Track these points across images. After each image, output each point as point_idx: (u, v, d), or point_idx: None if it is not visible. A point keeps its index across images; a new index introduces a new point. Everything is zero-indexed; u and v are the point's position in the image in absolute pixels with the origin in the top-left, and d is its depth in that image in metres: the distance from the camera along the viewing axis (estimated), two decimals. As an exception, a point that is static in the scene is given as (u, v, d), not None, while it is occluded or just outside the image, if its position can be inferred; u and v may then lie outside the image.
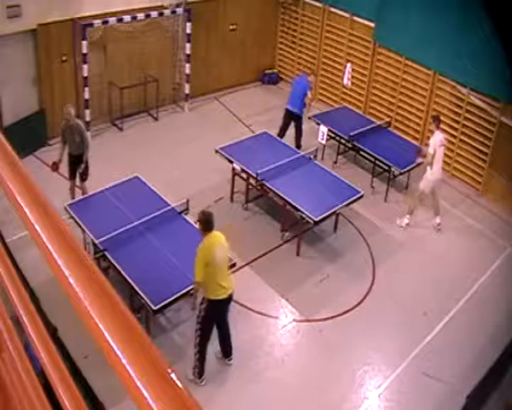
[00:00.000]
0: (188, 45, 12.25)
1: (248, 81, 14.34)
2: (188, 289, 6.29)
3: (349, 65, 12.40)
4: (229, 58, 13.60)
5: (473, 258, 8.94)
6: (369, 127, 10.88)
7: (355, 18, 12.41)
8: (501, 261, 8.89)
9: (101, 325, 0.93)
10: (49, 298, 5.42)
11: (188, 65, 12.43)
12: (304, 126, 11.09)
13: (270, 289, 7.89)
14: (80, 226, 7.33)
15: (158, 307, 6.20)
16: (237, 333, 6.78)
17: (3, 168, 1.36)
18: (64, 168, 8.76)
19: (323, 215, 8.13)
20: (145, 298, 6.24)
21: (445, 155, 9.38)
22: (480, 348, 7.18)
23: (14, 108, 10.07)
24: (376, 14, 11.70)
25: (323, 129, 10.56)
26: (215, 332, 6.39)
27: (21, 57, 10.15)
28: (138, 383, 0.84)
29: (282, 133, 10.92)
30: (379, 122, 11.43)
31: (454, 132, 10.75)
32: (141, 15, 11.13)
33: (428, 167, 8.90)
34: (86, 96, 10.87)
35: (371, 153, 10.14)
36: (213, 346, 6.50)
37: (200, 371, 6.33)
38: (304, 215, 8.06)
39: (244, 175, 9.32)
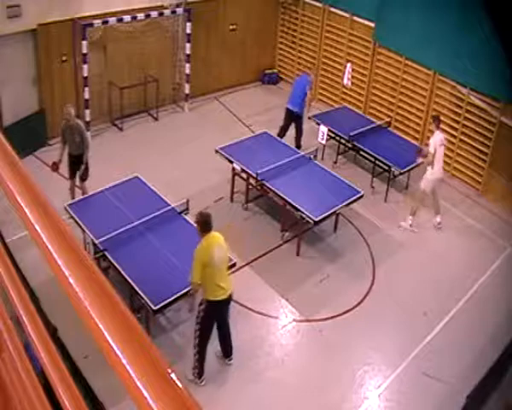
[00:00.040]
0: (188, 45, 12.25)
1: (248, 81, 14.34)
2: (188, 289, 6.29)
3: (349, 65, 12.40)
4: (229, 58, 13.60)
5: (473, 258, 8.95)
6: (369, 127, 10.88)
7: (355, 18, 12.41)
8: (501, 261, 8.89)
9: (101, 325, 0.93)
10: (49, 298, 5.41)
11: (188, 65, 12.44)
12: (304, 126, 11.10)
13: (270, 289, 7.89)
14: (80, 226, 7.33)
15: (158, 307, 6.20)
16: (237, 333, 6.78)
17: (3, 168, 1.36)
18: (64, 168, 8.76)
19: (323, 215, 8.13)
20: (145, 298, 6.24)
21: (445, 154, 9.39)
22: (480, 348, 7.18)
23: (14, 108, 10.07)
24: (376, 14, 11.70)
25: (323, 129, 10.56)
26: (215, 332, 6.39)
27: (21, 57, 10.15)
28: (138, 383, 0.84)
29: (282, 133, 10.92)
30: (379, 122, 11.43)
31: (454, 132, 10.75)
32: (141, 15, 11.13)
33: (429, 167, 8.90)
34: (86, 96, 10.87)
35: (371, 153, 10.14)
36: (213, 346, 6.50)
37: (199, 371, 6.33)
38: (304, 215, 8.06)
39: (244, 175, 9.32)
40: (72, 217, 7.49)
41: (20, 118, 10.19)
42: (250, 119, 12.49)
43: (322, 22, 13.15)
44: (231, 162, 9.31)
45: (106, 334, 0.92)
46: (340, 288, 8.06)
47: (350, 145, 10.70)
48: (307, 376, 6.72)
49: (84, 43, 10.38)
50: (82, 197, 8.46)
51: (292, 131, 11.08)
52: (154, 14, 11.34)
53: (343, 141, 10.82)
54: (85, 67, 10.62)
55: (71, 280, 1.02)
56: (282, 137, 10.81)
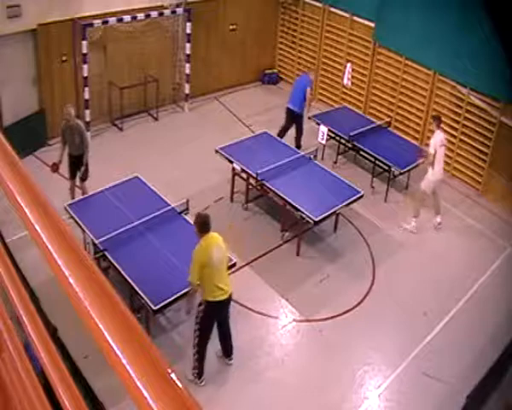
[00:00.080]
0: (188, 45, 12.25)
1: (248, 81, 14.34)
2: (188, 289, 6.29)
3: (349, 65, 12.40)
4: (229, 58, 13.60)
5: (473, 258, 8.95)
6: (369, 127, 10.88)
7: (355, 18, 12.41)
8: (501, 261, 8.89)
9: (101, 325, 0.93)
10: (49, 298, 5.42)
11: (188, 65, 12.44)
12: (304, 126, 11.11)
13: (270, 289, 7.89)
14: (80, 226, 7.33)
15: (158, 307, 6.20)
16: (237, 333, 6.77)
17: (3, 168, 1.36)
18: (64, 168, 8.76)
19: (323, 215, 8.13)
20: (145, 298, 6.24)
21: (445, 155, 9.37)
22: (480, 348, 7.18)
23: (14, 108, 10.07)
24: (376, 14, 11.70)
25: (323, 129, 10.56)
26: (214, 333, 6.39)
27: (21, 57, 10.15)
28: (138, 383, 0.84)
29: (282, 133, 10.93)
30: (379, 122, 11.43)
31: (454, 132, 10.75)
32: (141, 15, 11.13)
33: (430, 168, 8.89)
34: (86, 96, 10.88)
35: (371, 153, 10.14)
36: (213, 346, 6.50)
37: (199, 371, 6.33)
38: (304, 215, 8.06)
39: (244, 175, 9.32)
40: (72, 217, 7.49)
41: (20, 118, 10.19)
42: (250, 119, 12.49)
43: (322, 22, 13.15)
44: (231, 162, 9.31)
45: (106, 334, 0.91)
46: (340, 288, 8.06)
47: (350, 145, 10.70)
48: (307, 376, 6.72)
49: (84, 43, 10.39)
50: (82, 197, 8.46)
51: (292, 131, 11.09)
52: (154, 14, 11.34)
53: (343, 141, 10.82)
54: (85, 67, 10.62)
55: (71, 280, 1.02)
56: (282, 137, 10.81)
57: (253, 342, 7.04)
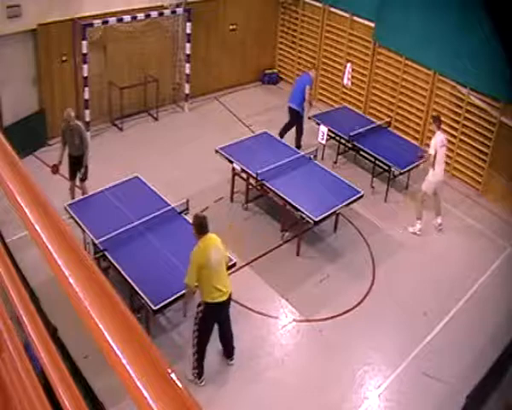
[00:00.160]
0: (188, 45, 12.25)
1: (248, 81, 14.34)
2: (184, 291, 6.28)
3: (349, 65, 12.39)
4: (229, 58, 13.60)
5: (473, 258, 8.95)
6: (369, 127, 10.88)
7: (355, 18, 12.41)
8: (501, 261, 8.89)
9: (101, 325, 0.93)
10: (49, 298, 5.42)
11: (188, 65, 12.44)
12: (304, 126, 11.11)
13: (270, 289, 7.89)
14: (80, 226, 7.33)
15: (158, 307, 6.20)
16: (237, 333, 6.77)
17: (3, 168, 1.36)
18: (64, 169, 8.76)
19: (323, 215, 8.13)
20: (145, 298, 6.24)
21: (446, 155, 9.35)
22: (480, 348, 7.18)
23: (14, 108, 10.07)
24: (376, 14, 11.70)
25: (323, 129, 10.56)
26: (215, 333, 6.38)
27: (21, 57, 10.15)
28: (138, 383, 0.84)
29: (283, 132, 10.97)
30: (379, 122, 11.43)
31: (454, 132, 10.75)
32: (141, 15, 11.13)
33: (430, 169, 8.89)
34: (86, 96, 10.87)
35: (371, 153, 10.14)
36: (213, 346, 6.49)
37: (199, 371, 6.33)
38: (304, 215, 8.06)
39: (244, 175, 9.32)
40: (72, 217, 7.49)
41: (20, 118, 10.19)
42: (250, 119, 12.49)
43: (322, 22, 13.15)
44: (231, 162, 9.31)
45: (106, 334, 0.91)
46: (340, 288, 8.06)
47: (350, 145, 10.70)
48: (307, 376, 6.72)
49: (84, 43, 10.39)
50: (82, 197, 8.46)
51: (292, 131, 11.11)
52: (154, 14, 11.34)
53: (343, 141, 10.83)
54: (85, 67, 10.62)
55: (71, 280, 1.02)
56: (283, 135, 10.85)
57: (253, 342, 7.04)
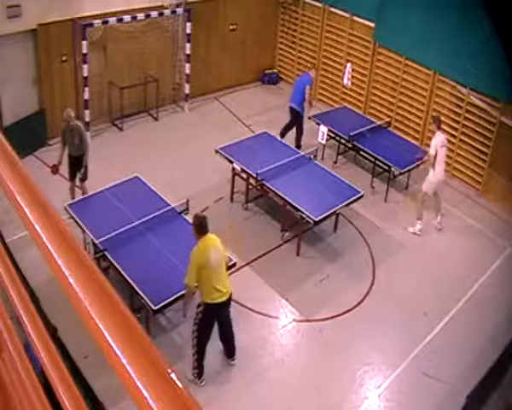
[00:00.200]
0: (188, 45, 12.25)
1: (248, 81, 14.34)
2: (184, 291, 6.28)
3: (349, 65, 12.39)
4: (229, 58, 13.60)
5: (473, 258, 8.95)
6: (369, 127, 10.88)
7: (355, 18, 12.41)
8: (501, 261, 8.89)
9: (101, 325, 0.93)
10: (49, 298, 5.42)
11: (188, 65, 12.44)
12: (304, 126, 11.12)
13: (270, 289, 7.89)
14: (80, 226, 7.33)
15: (158, 307, 6.20)
16: (237, 333, 6.76)
17: (3, 168, 1.35)
18: (64, 169, 8.76)
19: (323, 215, 8.13)
20: (145, 298, 6.24)
21: (446, 155, 9.35)
22: (480, 348, 7.18)
23: (14, 108, 10.07)
24: (376, 14, 11.70)
25: (323, 129, 10.57)
26: (215, 333, 6.38)
27: (21, 57, 10.15)
28: (138, 383, 0.84)
29: (284, 132, 11.01)
30: (379, 122, 11.43)
31: (454, 132, 10.74)
32: (141, 15, 11.13)
33: (431, 169, 8.89)
34: (86, 96, 10.87)
35: (371, 153, 10.14)
36: (214, 346, 6.49)
37: (199, 371, 6.33)
38: (304, 215, 8.06)
39: (244, 175, 9.32)
40: (72, 217, 7.49)
41: (20, 118, 10.19)
42: (250, 119, 12.49)
43: (322, 22, 13.15)
44: (231, 162, 9.31)
45: (106, 334, 0.91)
46: (340, 288, 8.06)
47: (350, 145, 10.70)
48: (307, 376, 6.72)
49: (84, 43, 10.39)
50: (82, 197, 8.46)
51: (292, 130, 11.12)
52: (154, 14, 11.34)
53: (343, 141, 10.83)
54: (85, 67, 10.62)
55: (71, 280, 1.02)
56: (284, 135, 10.90)
57: (253, 342, 7.04)
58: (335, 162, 10.97)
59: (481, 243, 9.31)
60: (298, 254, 8.56)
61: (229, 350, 6.65)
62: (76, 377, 5.10)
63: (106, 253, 6.87)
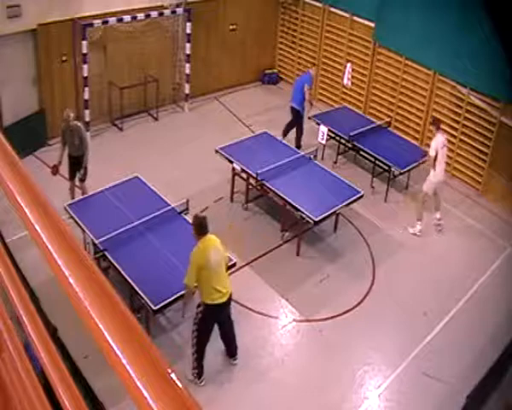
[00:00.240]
0: (188, 45, 12.25)
1: (248, 81, 14.34)
2: (183, 291, 6.27)
3: (349, 65, 12.39)
4: (229, 58, 13.60)
5: (473, 258, 8.95)
6: (369, 127, 10.88)
7: (355, 18, 12.41)
8: (501, 261, 8.89)
9: (101, 325, 0.93)
10: (49, 298, 5.42)
11: (188, 65, 12.44)
12: (304, 126, 11.12)
13: (270, 289, 7.89)
14: (80, 226, 7.33)
15: (158, 307, 6.20)
16: (237, 333, 6.76)
17: (3, 168, 1.35)
18: (64, 169, 8.76)
19: (323, 215, 8.13)
20: (145, 298, 6.24)
21: (446, 155, 9.35)
22: (480, 348, 7.18)
23: (14, 108, 10.07)
24: (376, 14, 11.70)
25: (323, 129, 10.57)
26: (215, 333, 6.38)
27: (21, 57, 10.15)
28: (138, 383, 0.84)
29: (286, 131, 11.09)
30: (379, 122, 11.43)
31: (454, 132, 10.75)
32: (141, 15, 11.13)
33: (431, 169, 8.89)
34: (86, 96, 10.87)
35: (371, 153, 10.14)
36: (213, 346, 6.49)
37: (199, 371, 6.33)
38: (304, 215, 8.06)
39: (244, 175, 9.32)
40: (72, 217, 7.49)
41: (20, 118, 10.19)
42: (250, 119, 12.49)
43: (322, 22, 13.15)
44: (231, 162, 9.31)
45: (106, 334, 0.91)
46: (340, 288, 8.06)
47: (350, 145, 10.70)
48: (307, 376, 6.72)
49: (84, 43, 10.39)
50: (82, 197, 8.46)
51: (292, 130, 11.13)
52: (154, 14, 11.34)
53: (343, 141, 10.83)
54: (85, 67, 10.62)
55: (71, 280, 1.02)
56: (286, 134, 10.95)
57: (253, 342, 7.04)
58: (335, 162, 10.97)
59: (481, 243, 9.31)
60: (298, 254, 8.56)
61: (231, 350, 6.65)
62: (76, 377, 5.10)
63: (106, 253, 6.87)
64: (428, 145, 9.14)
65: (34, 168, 9.46)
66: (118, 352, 0.89)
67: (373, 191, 10.22)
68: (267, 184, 8.71)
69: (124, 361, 0.87)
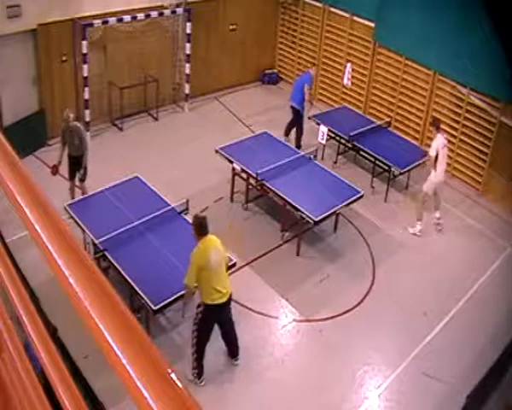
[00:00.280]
0: (188, 45, 12.25)
1: (248, 81, 14.34)
2: (183, 291, 6.27)
3: (349, 65, 12.39)
4: (229, 58, 13.60)
5: (473, 258, 8.94)
6: (369, 127, 10.88)
7: (355, 18, 12.41)
8: (501, 261, 8.89)
9: (101, 325, 0.93)
10: (49, 298, 5.41)
11: (188, 65, 12.44)
12: (304, 126, 11.12)
13: (270, 289, 7.89)
14: (80, 226, 7.33)
15: (158, 307, 6.20)
16: (238, 333, 6.76)
17: (3, 168, 1.35)
18: (64, 169, 8.76)
19: (323, 215, 8.13)
20: (145, 298, 6.24)
21: (447, 155, 9.35)
22: (480, 348, 7.18)
23: (14, 108, 10.07)
24: (376, 14, 11.70)
25: (323, 129, 10.56)
26: (214, 333, 6.38)
27: (21, 57, 10.15)
28: (138, 383, 0.84)
29: (287, 130, 11.16)
30: (379, 122, 11.43)
31: (454, 132, 10.74)
32: (141, 15, 11.13)
33: (432, 170, 8.89)
34: (86, 96, 10.87)
35: (371, 153, 10.14)
36: (213, 346, 6.49)
37: (199, 371, 6.33)
38: (304, 215, 8.06)
39: (244, 175, 9.32)
40: (72, 217, 7.49)
41: (20, 118, 10.19)
42: (250, 119, 12.49)
43: (322, 22, 13.15)
44: (231, 162, 9.31)
45: (106, 334, 0.91)
46: (340, 288, 8.06)
47: (350, 145, 10.70)
48: (307, 376, 6.72)
49: (84, 43, 10.39)
50: (82, 197, 8.46)
51: (293, 130, 11.14)
52: (154, 14, 11.34)
53: (343, 141, 10.83)
54: (85, 67, 10.62)
55: (71, 280, 1.02)
56: (287, 134, 11.00)
57: (254, 343, 7.04)
58: (335, 162, 10.97)
59: (481, 243, 9.31)
60: (298, 254, 8.56)
61: (233, 350, 6.65)
62: (76, 377, 5.10)
63: (106, 253, 6.88)
64: (428, 145, 9.15)
65: (34, 168, 9.47)
66: (118, 352, 0.89)
67: (373, 191, 10.22)
68: (267, 184, 8.71)
69: (124, 361, 0.87)
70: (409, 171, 9.99)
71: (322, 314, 7.57)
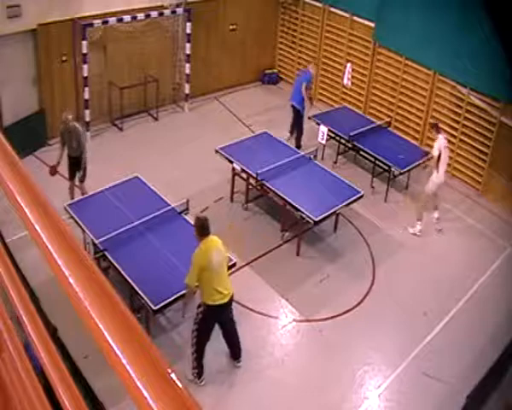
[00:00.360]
0: (188, 45, 12.25)
1: (248, 81, 14.34)
2: (184, 291, 6.27)
3: (349, 65, 12.40)
4: (229, 58, 13.60)
5: (473, 258, 8.95)
6: (369, 127, 10.88)
7: (355, 18, 12.41)
8: (501, 261, 8.89)
9: (101, 325, 0.93)
10: (49, 298, 5.42)
11: (188, 65, 12.44)
12: (304, 126, 11.12)
13: (270, 290, 7.89)
14: (80, 226, 7.33)
15: (158, 307, 6.19)
16: (238, 333, 6.77)
17: (3, 168, 1.35)
18: (64, 169, 8.76)
19: (323, 215, 8.13)
20: (145, 298, 6.24)
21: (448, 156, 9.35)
22: (480, 348, 7.18)
23: (14, 108, 10.07)
24: (376, 14, 11.70)
25: (323, 129, 10.57)
26: (215, 333, 6.38)
27: (21, 57, 10.15)
28: (138, 383, 0.84)
29: (292, 129, 11.14)
30: (379, 122, 11.43)
31: (454, 132, 10.75)
32: (141, 15, 11.13)
33: (434, 171, 8.89)
34: (86, 96, 10.87)
35: (371, 153, 10.14)
36: (214, 346, 6.49)
37: (199, 371, 6.33)
38: (304, 215, 8.06)
39: (244, 175, 9.32)
40: (72, 217, 7.49)
41: (20, 118, 10.19)
42: (250, 119, 12.49)
43: (322, 22, 13.15)
44: (231, 162, 9.31)
45: (106, 334, 0.91)
46: (340, 288, 8.06)
47: (350, 145, 10.70)
48: (307, 376, 6.72)
49: (84, 43, 10.39)
50: (82, 197, 8.45)
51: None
52: (154, 14, 11.34)
53: (343, 141, 10.83)
54: (85, 67, 10.62)
55: (71, 280, 1.02)
56: (293, 132, 11.06)
57: (254, 343, 7.04)
58: (335, 162, 10.97)
59: (481, 243, 9.31)
60: (298, 254, 8.56)
61: (235, 352, 6.64)
62: (76, 377, 5.10)
63: (106, 253, 6.87)
64: (428, 145, 9.14)
65: (34, 168, 9.46)
66: (118, 352, 0.89)
67: (373, 191, 10.23)
68: (267, 184, 8.71)
69: (124, 361, 0.87)
70: (409, 171, 9.99)
71: (322, 314, 7.57)
